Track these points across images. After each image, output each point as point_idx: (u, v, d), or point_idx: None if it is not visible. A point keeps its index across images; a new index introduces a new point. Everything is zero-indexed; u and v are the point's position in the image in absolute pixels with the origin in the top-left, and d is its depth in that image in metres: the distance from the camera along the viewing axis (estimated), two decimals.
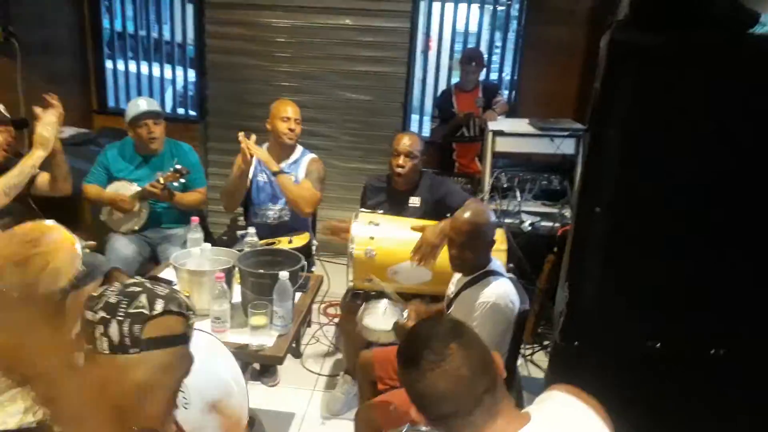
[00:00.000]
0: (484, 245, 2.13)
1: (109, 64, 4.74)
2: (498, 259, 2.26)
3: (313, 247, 3.30)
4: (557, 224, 3.29)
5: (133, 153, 3.25)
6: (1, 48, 3.53)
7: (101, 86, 4.71)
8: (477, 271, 2.15)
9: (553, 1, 4.15)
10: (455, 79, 4.43)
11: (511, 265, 2.64)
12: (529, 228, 3.33)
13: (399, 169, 2.92)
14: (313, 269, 3.18)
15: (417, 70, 4.64)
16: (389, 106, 4.54)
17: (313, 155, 3.33)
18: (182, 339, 1.06)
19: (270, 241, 3.09)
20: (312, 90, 4.56)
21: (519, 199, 3.44)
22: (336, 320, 3.63)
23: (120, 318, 0.99)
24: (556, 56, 4.16)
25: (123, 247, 3.15)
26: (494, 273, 2.14)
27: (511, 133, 3.52)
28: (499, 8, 4.60)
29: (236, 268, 2.31)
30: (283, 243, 3.06)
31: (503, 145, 3.51)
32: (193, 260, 2.40)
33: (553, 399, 1.21)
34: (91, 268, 2.77)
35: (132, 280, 1.08)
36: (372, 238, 2.66)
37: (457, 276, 2.28)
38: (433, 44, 4.63)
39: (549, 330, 3.37)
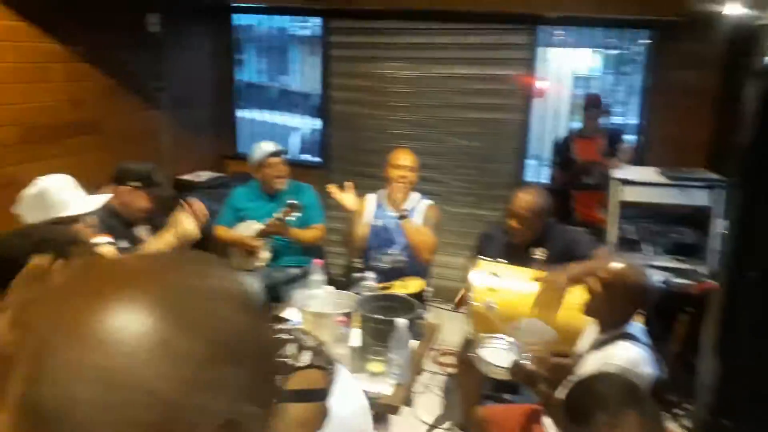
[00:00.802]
0: (627, 305, 2.00)
1: (240, 113, 5.12)
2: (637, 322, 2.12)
3: (426, 294, 3.30)
4: (692, 282, 3.04)
5: (259, 193, 3.45)
6: (152, 101, 3.93)
7: (234, 134, 5.09)
8: (612, 331, 2.03)
9: (681, 44, 3.96)
10: (575, 124, 4.31)
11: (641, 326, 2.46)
12: (663, 285, 3.11)
13: (511, 230, 2.85)
14: (426, 316, 3.17)
15: (534, 116, 4.58)
16: (504, 152, 4.50)
17: (429, 201, 3.37)
18: (322, 395, 1.03)
19: (385, 285, 3.13)
20: (427, 137, 4.63)
21: (648, 253, 3.24)
22: (448, 369, 3.56)
23: None
24: (685, 101, 3.93)
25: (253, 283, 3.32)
26: (631, 337, 2.00)
27: (640, 182, 3.34)
28: (623, 53, 4.46)
29: (355, 312, 2.35)
30: (398, 287, 3.09)
31: (630, 194, 3.34)
32: (316, 302, 2.47)
33: None
34: None
35: (282, 326, 1.09)
36: (492, 289, 2.56)
37: (589, 332, 2.16)
38: (551, 89, 4.55)
39: (680, 397, 3.09)
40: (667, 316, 2.93)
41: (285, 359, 1.00)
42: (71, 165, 3.19)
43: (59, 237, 1.20)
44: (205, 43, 4.61)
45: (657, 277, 3.11)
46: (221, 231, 3.42)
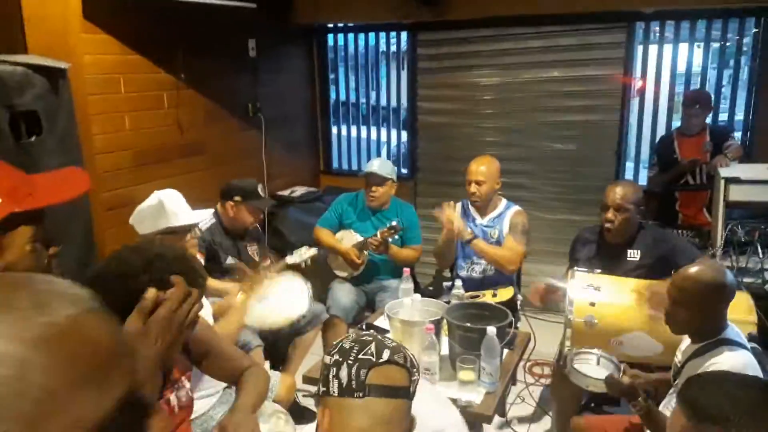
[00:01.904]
0: (714, 309, 1.87)
1: (334, 129, 5.30)
2: (744, 331, 1.98)
3: (518, 302, 3.24)
4: None
5: (363, 205, 3.56)
6: (250, 121, 4.17)
7: (327, 150, 5.28)
8: (707, 339, 1.90)
9: None
10: (676, 123, 4.08)
11: (751, 332, 2.28)
12: None
13: (608, 224, 2.74)
14: (518, 325, 3.11)
15: (632, 116, 4.38)
16: (600, 155, 4.34)
17: (517, 207, 3.31)
18: (404, 392, 1.07)
19: (474, 294, 3.11)
20: (517, 143, 4.56)
21: (761, 255, 3.00)
22: (543, 380, 3.47)
23: (350, 362, 1.06)
24: None
25: (343, 296, 3.42)
26: (729, 342, 1.87)
27: (749, 180, 3.09)
28: (727, 44, 4.17)
29: (444, 320, 2.36)
30: (488, 296, 3.06)
31: (738, 193, 3.10)
32: (405, 310, 2.51)
33: None
34: (312, 316, 3.06)
35: (366, 332, 1.16)
36: (593, 304, 2.45)
37: (686, 343, 2.04)
38: (650, 87, 4.33)
39: None
40: None
41: (367, 356, 1.06)
42: (179, 184, 3.44)
43: (169, 253, 1.30)
44: (299, 64, 4.83)
45: None
46: (323, 233, 3.54)
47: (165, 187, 2.54)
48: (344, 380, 1.06)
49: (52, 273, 1.06)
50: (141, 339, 1.10)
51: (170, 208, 2.22)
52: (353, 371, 1.05)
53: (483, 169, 3.18)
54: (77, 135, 2.45)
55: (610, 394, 2.06)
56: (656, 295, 2.33)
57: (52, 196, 1.08)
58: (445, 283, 3.44)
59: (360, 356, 1.07)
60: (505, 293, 3.13)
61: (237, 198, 2.93)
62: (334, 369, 1.07)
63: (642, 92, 4.38)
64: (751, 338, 2.17)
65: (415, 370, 1.11)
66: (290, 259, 3.13)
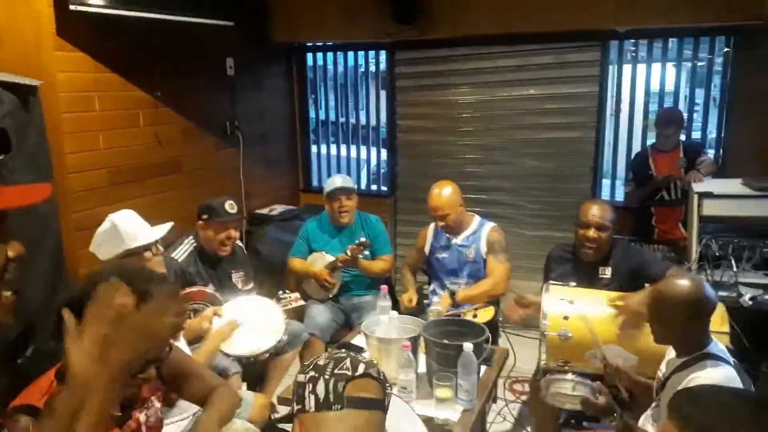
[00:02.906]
0: (694, 323, 1.87)
1: (314, 148, 5.30)
2: (719, 341, 1.98)
3: (499, 321, 3.23)
4: None
5: (330, 226, 3.54)
6: (228, 140, 4.15)
7: (307, 168, 5.26)
8: (690, 353, 1.90)
9: (763, 49, 3.74)
10: (651, 140, 4.14)
11: (729, 346, 2.29)
12: (750, 303, 2.89)
13: (590, 243, 2.75)
14: (499, 342, 3.10)
15: (607, 133, 4.44)
16: (577, 171, 4.39)
17: (491, 224, 3.32)
18: (379, 404, 1.10)
19: (455, 313, 3.10)
20: (495, 160, 4.60)
21: (735, 269, 3.03)
22: (523, 397, 3.45)
23: (327, 377, 1.08)
24: None
25: (319, 315, 3.39)
26: (712, 356, 1.87)
27: (722, 195, 3.14)
28: (699, 64, 4.26)
29: (421, 337, 2.34)
30: (468, 316, 3.04)
31: (712, 208, 3.14)
32: (382, 327, 2.49)
33: None
34: (291, 337, 3.02)
35: (339, 350, 1.18)
36: (566, 317, 2.45)
37: (669, 356, 2.04)
38: (625, 106, 4.40)
39: None
40: (759, 335, 2.70)
41: (343, 371, 1.09)
42: (154, 203, 3.44)
43: (129, 272, 1.28)
44: (278, 83, 4.83)
45: (747, 295, 2.91)
46: (295, 262, 3.53)
47: (140, 206, 2.50)
48: (321, 394, 1.07)
49: (8, 276, 1.03)
50: (114, 343, 1.08)
51: (126, 230, 2.17)
52: (330, 385, 1.08)
53: (442, 202, 3.17)
54: (48, 153, 2.41)
55: (587, 414, 2.05)
56: (632, 314, 2.34)
57: (9, 200, 1.06)
58: (425, 301, 3.42)
59: (336, 371, 1.09)
60: (486, 314, 3.11)
61: (204, 216, 2.88)
62: (310, 385, 1.09)
63: (619, 111, 4.45)
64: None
65: (388, 384, 1.14)
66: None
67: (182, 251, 2.84)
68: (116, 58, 3.21)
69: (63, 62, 2.91)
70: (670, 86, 4.32)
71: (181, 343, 2.30)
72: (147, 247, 2.20)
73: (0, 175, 2.10)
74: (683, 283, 1.87)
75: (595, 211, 2.74)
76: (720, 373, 1.78)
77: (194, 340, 2.48)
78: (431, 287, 3.43)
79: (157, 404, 1.56)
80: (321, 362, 1.12)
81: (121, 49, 3.23)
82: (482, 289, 3.16)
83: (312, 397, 1.08)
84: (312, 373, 1.11)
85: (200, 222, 2.88)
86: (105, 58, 3.15)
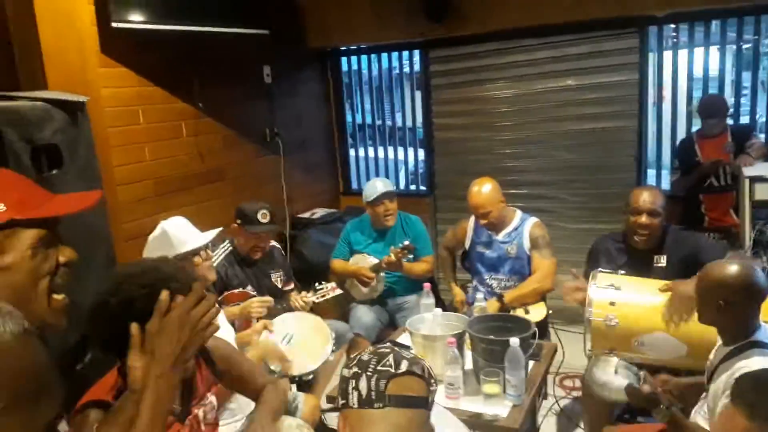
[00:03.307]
0: (742, 308, 1.81)
1: (352, 152, 5.34)
2: None
3: (549, 313, 3.19)
4: None
5: (371, 228, 3.55)
6: (269, 146, 4.22)
7: (346, 171, 5.31)
8: (737, 341, 1.84)
9: None
10: (697, 126, 4.01)
11: None
12: None
13: (643, 230, 2.67)
14: (548, 338, 3.06)
15: (650, 122, 4.32)
16: (620, 161, 4.28)
17: (534, 219, 3.27)
18: (423, 402, 1.08)
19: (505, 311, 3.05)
20: (535, 154, 4.54)
21: None
22: (574, 393, 3.39)
23: (369, 373, 1.07)
24: None
25: (364, 315, 3.41)
26: (761, 345, 1.80)
27: None
28: (745, 46, 4.10)
29: (467, 334, 2.33)
30: (520, 313, 3.00)
31: (764, 192, 3.02)
32: (426, 325, 2.49)
33: None
34: (336, 336, 3.05)
35: (383, 345, 1.16)
36: (613, 303, 2.40)
37: (718, 344, 1.98)
38: (668, 93, 4.28)
39: None
40: None
41: (385, 367, 1.07)
42: (200, 211, 3.53)
43: (169, 275, 1.33)
44: (314, 88, 4.89)
45: None
46: (337, 264, 3.56)
47: (186, 215, 2.57)
48: (363, 391, 1.06)
49: (59, 281, 1.08)
50: (157, 338, 1.13)
51: (175, 236, 2.24)
52: (372, 382, 1.07)
53: (483, 200, 3.13)
54: (97, 166, 2.50)
55: (632, 404, 2.00)
56: (680, 299, 2.28)
57: (61, 208, 1.11)
58: (468, 296, 3.39)
59: (379, 367, 1.08)
60: (537, 312, 3.07)
61: (238, 221, 2.93)
62: (353, 381, 1.09)
63: (661, 99, 4.32)
64: None
65: (432, 381, 1.12)
66: (314, 298, 3.04)
67: (218, 255, 2.90)
68: (157, 71, 3.31)
69: (107, 78, 3.02)
70: (714, 71, 4.18)
71: (229, 337, 2.35)
72: (196, 252, 2.26)
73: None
74: (732, 266, 1.82)
75: (646, 197, 2.67)
76: (766, 362, 1.71)
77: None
78: (474, 283, 3.41)
79: (214, 400, 1.61)
80: (365, 357, 1.12)
81: (162, 62, 3.34)
82: (530, 288, 3.11)
83: (355, 393, 1.07)
84: (355, 369, 1.10)
85: (234, 225, 2.94)
86: (147, 72, 3.25)
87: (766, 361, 1.72)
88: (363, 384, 1.07)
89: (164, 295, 1.18)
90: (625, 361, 2.18)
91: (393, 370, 1.07)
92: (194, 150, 3.61)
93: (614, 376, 2.08)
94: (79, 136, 2.37)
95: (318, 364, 2.61)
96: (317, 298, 3.04)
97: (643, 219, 2.64)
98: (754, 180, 3.05)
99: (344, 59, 5.10)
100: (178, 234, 2.26)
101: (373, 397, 1.05)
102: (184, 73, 3.48)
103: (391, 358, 1.10)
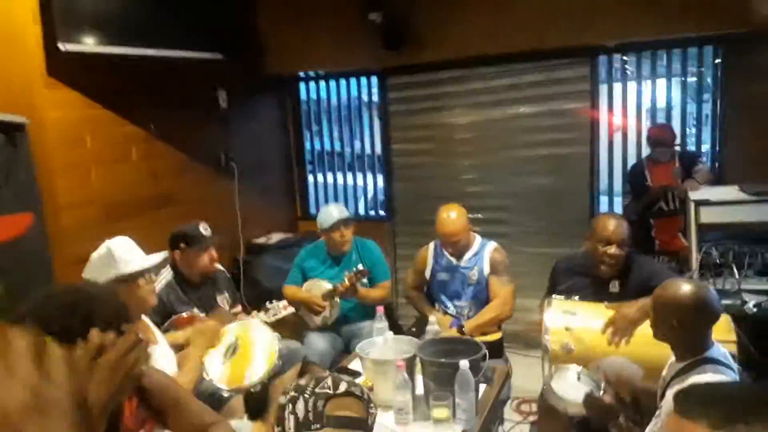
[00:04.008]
0: (695, 327, 1.83)
1: (311, 177, 5.31)
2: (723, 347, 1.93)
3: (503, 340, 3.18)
4: None
5: (325, 254, 3.51)
6: (223, 171, 4.16)
7: (304, 197, 5.28)
8: (690, 357, 1.86)
9: (754, 57, 3.74)
10: (647, 151, 4.12)
11: (733, 353, 2.23)
12: (755, 309, 2.83)
13: (611, 260, 2.63)
14: (508, 363, 3.04)
15: (603, 151, 4.41)
16: (575, 187, 4.36)
17: (493, 244, 3.28)
18: (362, 423, 1.08)
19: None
20: (492, 180, 4.59)
21: (737, 276, 2.97)
22: (531, 418, 3.37)
23: (306, 395, 1.07)
24: (764, 114, 3.68)
25: (318, 342, 3.34)
26: (713, 361, 1.82)
27: (719, 202, 3.11)
28: (690, 79, 4.26)
29: (418, 358, 2.29)
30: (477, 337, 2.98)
31: (709, 215, 3.10)
32: (377, 349, 2.44)
33: None
34: (288, 357, 2.97)
35: (321, 371, 1.17)
36: (568, 329, 2.41)
37: (671, 360, 1.99)
38: (619, 122, 4.40)
39: None
40: (765, 340, 2.64)
41: (323, 390, 1.08)
42: (150, 236, 3.38)
43: (105, 309, 1.25)
44: (272, 113, 4.88)
45: (751, 302, 2.85)
46: (289, 291, 3.49)
47: (137, 240, 2.48)
48: (301, 414, 1.06)
49: None
50: (85, 382, 1.05)
51: (120, 255, 2.15)
52: (310, 404, 1.06)
53: (456, 228, 3.12)
54: (37, 189, 2.42)
55: (589, 415, 1.98)
56: (623, 321, 2.30)
57: None
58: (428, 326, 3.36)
59: (317, 390, 1.08)
60: (494, 335, 3.06)
61: (182, 245, 2.85)
62: (290, 405, 1.08)
63: (612, 128, 4.44)
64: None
65: (372, 404, 1.12)
66: (266, 317, 2.96)
67: (159, 282, 2.79)
68: (107, 94, 3.25)
69: (53, 101, 2.95)
70: (662, 101, 4.32)
71: (169, 364, 2.25)
72: (141, 274, 2.17)
73: None
74: (686, 286, 1.84)
75: (615, 227, 2.62)
76: (716, 379, 1.73)
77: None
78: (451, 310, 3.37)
79: None
80: (302, 382, 1.11)
81: (113, 85, 3.28)
82: (490, 316, 3.10)
83: (292, 417, 1.06)
84: (293, 393, 1.09)
85: (177, 251, 2.85)
86: (96, 95, 3.19)
87: (719, 377, 1.74)
88: (300, 407, 1.06)
89: (95, 335, 1.09)
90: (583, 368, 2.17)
91: (331, 391, 1.08)
92: (144, 174, 3.53)
93: (575, 384, 2.06)
94: (18, 158, 2.31)
95: (267, 368, 2.46)
96: (269, 317, 2.97)
97: (613, 250, 2.61)
98: (699, 203, 3.13)
99: (303, 85, 5.12)
100: (123, 254, 2.16)
101: (311, 419, 1.04)
102: (136, 97, 3.42)
103: (329, 380, 1.10)
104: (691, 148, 4.39)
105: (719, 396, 0.97)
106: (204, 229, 2.85)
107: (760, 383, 0.94)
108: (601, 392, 1.95)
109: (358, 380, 2.17)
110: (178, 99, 3.74)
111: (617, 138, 4.42)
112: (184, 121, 3.81)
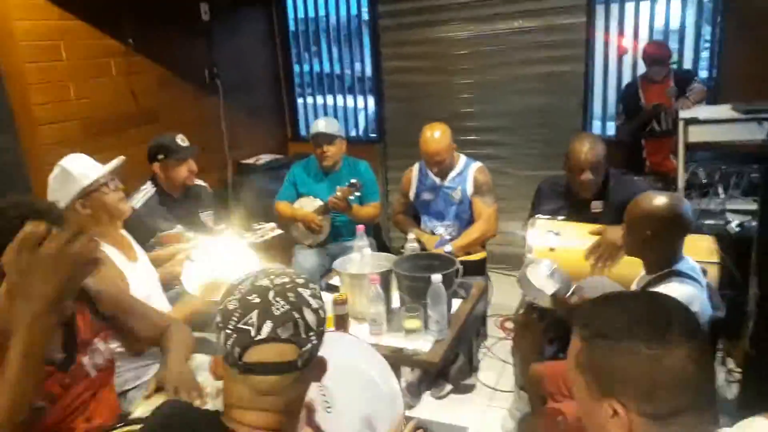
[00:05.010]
0: (665, 238, 1.83)
1: (304, 99, 5.19)
2: (699, 265, 1.94)
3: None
4: None
5: (317, 170, 3.48)
6: (208, 88, 4.06)
7: (294, 118, 5.18)
8: (659, 270, 1.87)
9: None
10: (642, 70, 3.99)
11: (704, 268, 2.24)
12: (738, 229, 2.83)
13: (587, 185, 2.61)
14: (489, 282, 3.09)
15: (598, 74, 4.26)
16: (568, 107, 4.27)
17: (478, 164, 3.25)
18: (287, 367, 0.96)
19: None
20: (487, 99, 4.48)
21: (722, 196, 2.95)
22: (512, 334, 3.45)
23: (228, 331, 0.95)
24: (763, 34, 3.54)
25: (306, 260, 3.37)
26: (680, 274, 1.83)
27: (708, 121, 3.03)
28: None
29: (393, 273, 2.32)
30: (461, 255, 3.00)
31: (698, 134, 3.03)
32: (354, 265, 2.47)
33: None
34: None
35: (259, 283, 0.99)
36: (552, 249, 2.42)
37: (641, 274, 2.01)
38: (615, 42, 4.23)
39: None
40: (746, 261, 2.64)
41: (246, 327, 0.94)
42: (132, 155, 3.32)
43: (44, 209, 1.23)
44: (258, 28, 4.70)
45: (734, 222, 2.84)
46: (282, 206, 3.48)
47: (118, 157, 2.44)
48: (221, 349, 0.96)
49: None
50: (28, 276, 1.05)
51: (76, 171, 2.10)
52: (229, 345, 0.94)
53: (439, 147, 3.07)
54: (7, 102, 2.36)
55: (556, 310, 2.00)
56: (608, 245, 2.30)
57: None
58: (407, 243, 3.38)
59: (239, 326, 0.94)
60: (478, 253, 3.09)
61: (160, 156, 2.80)
62: (217, 331, 0.97)
63: (621, 50, 4.27)
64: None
65: (311, 334, 0.97)
66: (252, 238, 2.94)
67: (138, 199, 2.77)
68: (81, 3, 3.10)
69: (21, 9, 2.82)
70: (660, 21, 4.11)
71: (158, 292, 2.27)
72: (103, 183, 2.14)
73: None
74: (659, 197, 1.83)
75: (587, 153, 2.56)
76: (682, 290, 1.73)
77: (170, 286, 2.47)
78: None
79: (102, 347, 1.54)
80: (231, 305, 0.97)
81: None
82: (474, 236, 3.12)
83: (219, 343, 0.96)
84: (218, 319, 0.96)
85: (156, 164, 2.81)
86: (69, 5, 3.05)
87: (682, 288, 1.76)
88: (222, 340, 0.96)
89: (31, 226, 1.08)
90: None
91: (252, 336, 0.94)
92: (125, 90, 3.45)
93: (546, 279, 2.07)
94: None
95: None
96: (256, 238, 2.98)
97: (586, 176, 2.57)
98: (688, 122, 3.06)
99: (295, 4, 4.89)
100: (79, 168, 2.12)
101: (230, 361, 0.95)
102: (112, 7, 3.28)
103: (254, 315, 0.94)
104: (687, 67, 4.25)
105: (608, 309, 0.97)
106: (181, 140, 2.79)
107: (656, 301, 0.93)
108: (569, 294, 1.96)
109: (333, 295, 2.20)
110: (158, 11, 3.59)
111: (612, 59, 4.27)
112: (164, 35, 3.68)
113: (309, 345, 0.97)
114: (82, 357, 1.45)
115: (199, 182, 3.01)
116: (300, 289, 0.99)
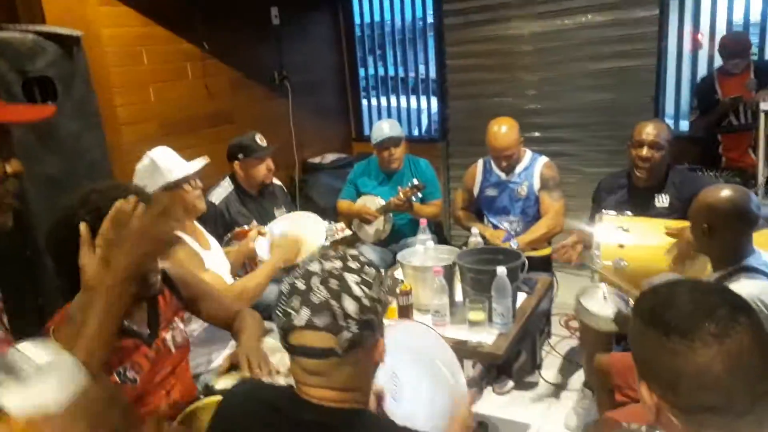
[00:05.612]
0: (733, 233, 1.76)
1: (369, 100, 5.27)
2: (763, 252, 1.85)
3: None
4: None
5: (378, 170, 3.53)
6: (277, 90, 4.20)
7: (358, 119, 5.27)
8: (728, 266, 1.79)
9: None
10: (718, 64, 3.82)
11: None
12: None
13: (643, 163, 2.59)
14: (556, 280, 3.04)
15: (671, 68, 4.11)
16: (638, 103, 4.13)
17: (545, 159, 3.21)
18: (329, 352, 1.00)
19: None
20: (553, 95, 4.41)
21: None
22: (577, 333, 3.38)
23: (278, 312, 1.02)
24: None
25: (370, 256, 3.42)
26: (750, 269, 1.75)
27: None
28: None
29: (458, 266, 2.33)
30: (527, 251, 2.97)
31: None
32: (417, 257, 2.49)
33: None
34: None
35: (310, 267, 1.05)
36: (622, 246, 2.36)
37: (709, 271, 1.93)
38: (705, 40, 4.06)
39: None
40: None
41: (289, 311, 1.01)
42: (208, 154, 3.51)
43: (103, 185, 1.34)
44: (325, 32, 4.82)
45: None
46: (343, 204, 3.56)
47: (193, 157, 2.56)
48: (278, 328, 1.04)
49: (11, 188, 1.09)
50: (115, 248, 1.14)
51: (163, 165, 2.24)
52: (277, 326, 1.03)
53: (507, 142, 3.07)
54: (95, 102, 2.53)
55: (623, 332, 1.97)
56: (687, 244, 2.22)
57: (12, 116, 1.12)
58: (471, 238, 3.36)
59: (286, 308, 1.00)
60: (544, 249, 3.07)
61: (240, 156, 2.93)
62: (274, 309, 1.05)
63: (696, 44, 4.10)
64: None
65: (351, 322, 0.99)
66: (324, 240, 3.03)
67: (219, 194, 2.91)
68: (160, 11, 3.30)
69: (108, 17, 3.03)
70: (739, 14, 3.91)
71: (228, 279, 2.38)
72: (186, 180, 2.27)
73: (48, 122, 2.23)
74: (722, 189, 1.76)
75: (649, 129, 2.59)
76: (754, 286, 1.66)
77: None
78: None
79: (181, 326, 1.64)
80: (284, 288, 1.04)
81: (166, 1, 3.32)
82: (541, 232, 3.08)
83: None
84: (279, 299, 1.04)
85: (236, 162, 2.94)
86: (149, 12, 3.24)
87: (752, 284, 1.68)
88: (274, 320, 1.04)
89: (122, 203, 1.17)
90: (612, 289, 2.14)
91: (292, 320, 0.99)
92: (200, 92, 3.62)
93: (603, 304, 2.05)
94: (75, 71, 2.40)
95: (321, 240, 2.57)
96: (327, 239, 3.06)
97: (644, 152, 2.56)
98: None
99: (356, 2, 4.99)
100: (166, 163, 2.26)
101: (280, 340, 1.04)
102: (188, 13, 3.46)
103: (295, 301, 0.99)
104: None
105: (654, 294, 0.95)
106: (260, 139, 2.93)
107: (704, 296, 0.87)
108: (629, 308, 1.92)
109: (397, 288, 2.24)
110: (230, 16, 3.76)
111: (686, 53, 4.11)
112: (236, 39, 3.84)
113: (349, 334, 0.98)
114: (164, 333, 1.56)
115: (275, 180, 3.13)
116: (347, 275, 1.02)
